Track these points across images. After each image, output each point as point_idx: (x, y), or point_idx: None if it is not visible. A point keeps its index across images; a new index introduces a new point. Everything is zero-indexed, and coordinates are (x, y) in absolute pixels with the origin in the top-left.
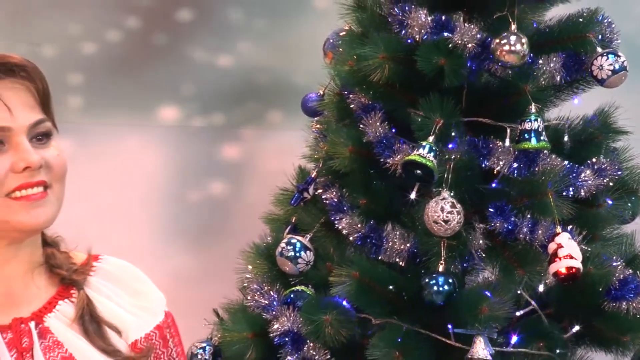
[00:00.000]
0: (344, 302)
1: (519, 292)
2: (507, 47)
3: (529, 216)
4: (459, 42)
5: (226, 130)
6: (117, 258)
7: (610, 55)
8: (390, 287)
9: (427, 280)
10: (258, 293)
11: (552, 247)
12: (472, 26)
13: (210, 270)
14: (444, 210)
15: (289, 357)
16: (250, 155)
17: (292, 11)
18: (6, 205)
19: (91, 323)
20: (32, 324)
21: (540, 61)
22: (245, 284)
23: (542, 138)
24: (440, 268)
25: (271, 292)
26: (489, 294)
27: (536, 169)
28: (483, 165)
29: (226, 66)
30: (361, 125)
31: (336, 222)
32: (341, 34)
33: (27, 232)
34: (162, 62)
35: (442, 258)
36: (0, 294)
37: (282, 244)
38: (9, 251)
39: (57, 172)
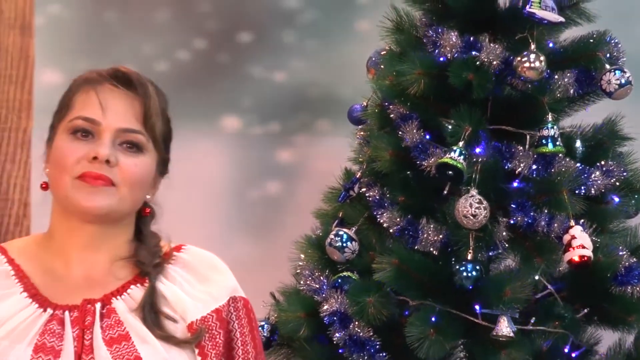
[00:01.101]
0: (385, 286)
1: (537, 277)
2: (527, 64)
3: (546, 211)
4: (485, 59)
5: (281, 137)
6: (200, 249)
7: (617, 71)
8: (425, 273)
9: (457, 267)
10: (310, 278)
11: (566, 238)
12: (497, 46)
13: (268, 258)
14: (472, 206)
15: (337, 334)
16: (302, 158)
17: (339, 34)
18: (72, 185)
19: (150, 313)
20: (98, 305)
21: (556, 76)
22: (299, 271)
23: (557, 143)
24: (469, 256)
25: (321, 278)
26: (509, 280)
27: (552, 170)
28: (506, 167)
29: (281, 81)
30: (400, 132)
31: (378, 216)
32: (382, 53)
33: (80, 212)
34: (225, 78)
35: (471, 248)
36: (80, 276)
37: (331, 236)
38: (90, 235)
39: (126, 178)
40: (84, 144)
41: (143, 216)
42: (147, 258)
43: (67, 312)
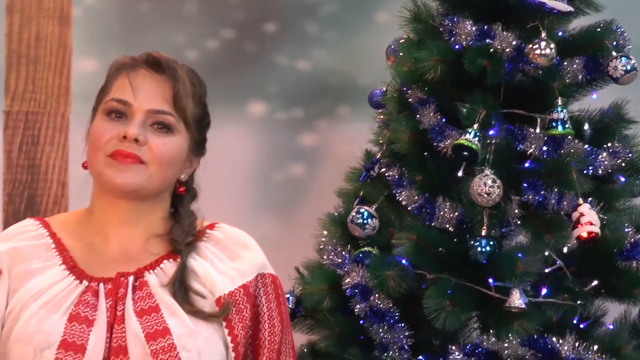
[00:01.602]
0: (404, 261)
1: (547, 252)
2: (538, 51)
3: (556, 190)
4: (499, 47)
5: (304, 122)
6: (232, 227)
7: (623, 58)
8: (442, 248)
9: (472, 242)
10: (332, 253)
11: (575, 215)
12: (509, 34)
13: (293, 235)
14: (486, 185)
15: (358, 306)
16: (324, 142)
17: (359, 24)
18: (104, 162)
19: (180, 289)
20: (131, 278)
21: (565, 63)
22: (322, 246)
23: (567, 126)
24: (483, 232)
25: (343, 253)
26: (520, 255)
27: (562, 151)
28: (518, 148)
29: (304, 69)
30: (418, 116)
31: (397, 195)
32: (401, 41)
33: (112, 188)
34: (251, 66)
35: (485, 224)
36: (117, 250)
37: (353, 213)
38: (125, 211)
39: (155, 156)
40: (117, 124)
41: (179, 195)
42: (181, 236)
43: (101, 284)
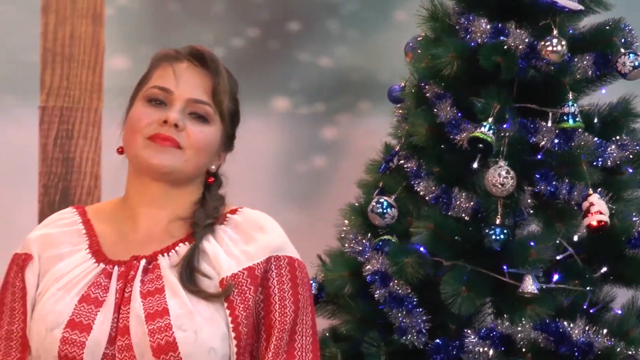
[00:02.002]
0: (421, 248)
1: (559, 240)
2: (550, 48)
3: (567, 181)
4: (512, 44)
5: (326, 116)
6: (255, 211)
7: (631, 55)
8: (458, 236)
9: (487, 230)
10: (353, 241)
11: (585, 205)
12: (522, 32)
13: (315, 225)
14: (500, 176)
15: (378, 291)
16: (345, 135)
17: (379, 22)
18: (143, 144)
19: (186, 270)
20: (143, 261)
21: (576, 59)
22: (343, 235)
23: (577, 119)
24: (497, 221)
25: (364, 241)
26: (533, 243)
27: (572, 144)
28: (531, 141)
29: (326, 66)
30: (435, 110)
31: (415, 185)
32: (418, 38)
33: (148, 169)
34: (275, 63)
35: (499, 213)
36: (143, 233)
37: (373, 203)
38: (157, 193)
39: (192, 142)
40: (157, 110)
41: (208, 184)
42: (201, 219)
43: (116, 267)
